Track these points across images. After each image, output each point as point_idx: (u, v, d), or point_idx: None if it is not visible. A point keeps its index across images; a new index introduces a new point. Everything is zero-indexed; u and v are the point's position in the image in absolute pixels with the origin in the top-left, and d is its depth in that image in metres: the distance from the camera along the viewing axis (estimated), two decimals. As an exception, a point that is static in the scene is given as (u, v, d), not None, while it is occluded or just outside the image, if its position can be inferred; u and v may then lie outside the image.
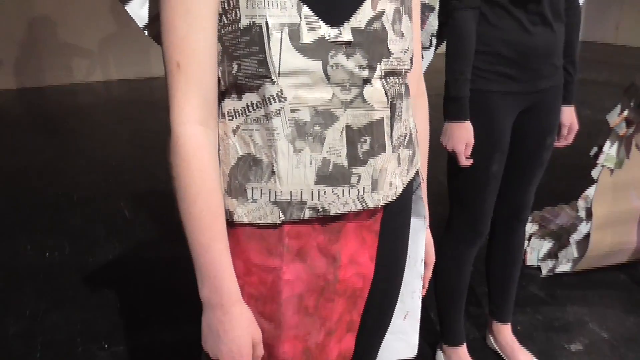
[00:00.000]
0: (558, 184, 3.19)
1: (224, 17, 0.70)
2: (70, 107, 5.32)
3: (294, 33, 0.67)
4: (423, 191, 0.95)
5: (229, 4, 0.69)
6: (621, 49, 8.07)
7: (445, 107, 1.43)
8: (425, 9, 1.54)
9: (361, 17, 0.71)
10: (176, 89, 0.69)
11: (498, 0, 1.37)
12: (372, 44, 0.72)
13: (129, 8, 0.83)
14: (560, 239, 2.33)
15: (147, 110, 5.13)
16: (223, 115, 0.74)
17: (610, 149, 2.00)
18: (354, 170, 0.74)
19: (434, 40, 1.59)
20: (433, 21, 1.56)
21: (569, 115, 1.61)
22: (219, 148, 0.74)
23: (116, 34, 6.24)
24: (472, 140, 1.42)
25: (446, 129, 1.44)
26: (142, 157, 3.87)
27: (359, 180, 0.75)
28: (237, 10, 0.68)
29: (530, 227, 2.45)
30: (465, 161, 1.43)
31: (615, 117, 1.93)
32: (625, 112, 1.92)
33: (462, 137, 1.41)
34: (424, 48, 1.58)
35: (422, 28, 1.54)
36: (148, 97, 5.67)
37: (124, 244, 2.61)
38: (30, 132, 4.53)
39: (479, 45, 1.40)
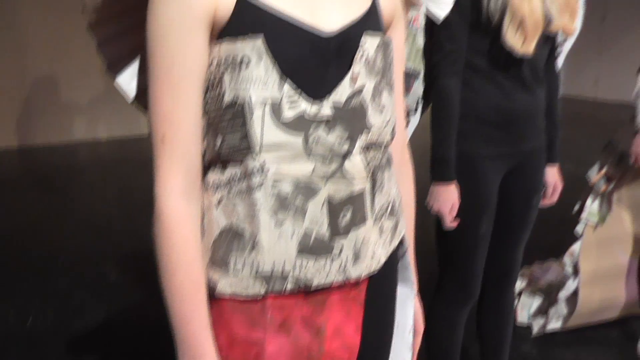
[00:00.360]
0: (547, 238, 3.19)
1: (209, 92, 0.72)
2: (60, 166, 5.32)
3: (276, 109, 0.70)
4: (410, 258, 0.95)
5: (214, 80, 0.71)
6: (601, 103, 8.28)
7: (431, 169, 1.46)
8: (411, 75, 1.59)
9: (341, 93, 0.73)
10: (161, 161, 0.72)
11: (480, 67, 1.42)
12: (352, 119, 0.74)
13: (119, 80, 0.86)
14: (550, 295, 2.33)
15: (137, 169, 5.14)
16: (207, 187, 0.76)
17: (592, 205, 2.03)
18: (335, 241, 0.75)
19: (420, 105, 1.63)
20: (419, 87, 1.61)
21: (553, 175, 1.65)
22: (202, 219, 0.75)
23: (107, 93, 6.31)
24: (457, 203, 1.44)
25: (432, 190, 1.46)
26: (129, 218, 3.85)
27: (341, 252, 0.75)
28: (222, 86, 0.71)
29: (520, 284, 2.45)
30: (450, 223, 1.45)
31: (595, 174, 1.97)
32: (605, 169, 1.97)
33: (448, 199, 1.43)
34: (411, 112, 1.62)
35: (408, 93, 1.59)
36: (138, 156, 5.70)
37: (109, 309, 2.57)
38: (19, 192, 4.51)
39: (463, 109, 1.44)
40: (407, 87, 1.65)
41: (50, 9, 5.77)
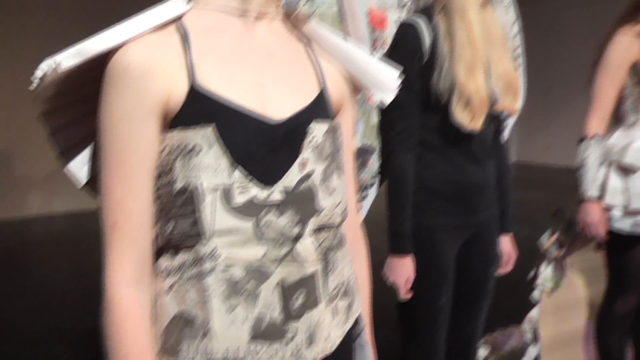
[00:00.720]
0: (508, 304, 3.21)
1: (160, 179, 0.74)
2: (13, 241, 5.15)
3: (227, 195, 0.71)
4: (367, 336, 0.95)
5: (165, 167, 0.73)
6: (552, 169, 8.60)
7: (388, 241, 1.49)
8: (367, 151, 1.64)
9: (291, 178, 0.75)
10: (111, 248, 0.72)
11: (432, 142, 1.48)
12: (302, 202, 0.76)
13: (71, 167, 0.86)
14: (513, 362, 2.33)
15: (93, 244, 5.00)
16: (158, 273, 0.76)
17: (546, 271, 2.08)
18: (289, 325, 0.75)
19: (377, 179, 1.67)
20: (374, 162, 1.66)
21: (507, 244, 1.69)
22: (153, 306, 0.75)
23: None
24: (412, 275, 1.46)
25: (388, 263, 1.48)
26: (85, 295, 3.72)
27: (294, 336, 0.75)
28: (174, 173, 0.72)
29: (483, 351, 2.44)
30: (405, 295, 1.46)
31: (547, 241, 2.03)
32: (555, 236, 2.03)
33: (403, 272, 1.45)
34: (368, 186, 1.66)
35: (365, 168, 1.64)
36: (95, 231, 5.55)
37: (61, 394, 2.43)
38: (-33, 272, 4.32)
39: (418, 183, 1.49)
40: (364, 163, 1.70)
41: (3, 81, 5.77)
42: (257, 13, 0.79)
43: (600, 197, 1.85)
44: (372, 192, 1.71)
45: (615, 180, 1.84)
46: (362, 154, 1.71)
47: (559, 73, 8.46)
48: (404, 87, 1.42)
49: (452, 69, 1.40)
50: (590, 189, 1.84)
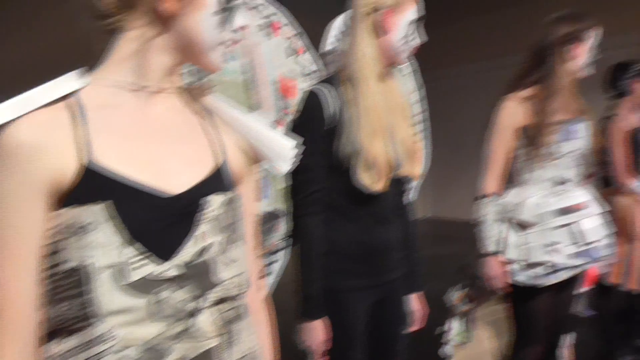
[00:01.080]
0: (425, 358, 3.26)
1: (50, 258, 0.71)
2: None
3: (120, 273, 0.70)
4: None
5: (55, 247, 0.70)
6: (465, 223, 8.94)
7: (299, 306, 1.49)
8: (276, 216, 1.66)
9: (188, 252, 0.75)
10: None
11: (339, 205, 1.53)
12: (200, 276, 0.76)
13: None
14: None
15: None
16: (48, 358, 0.72)
17: (455, 325, 2.14)
18: None
19: (288, 242, 1.69)
20: (284, 226, 1.67)
21: (416, 303, 1.74)
22: None
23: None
24: (325, 339, 1.47)
25: (300, 327, 1.48)
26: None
27: None
28: (64, 253, 0.70)
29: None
30: (318, 358, 1.46)
31: (455, 297, 2.11)
32: (463, 291, 2.11)
33: (315, 335, 1.46)
34: (278, 250, 1.67)
35: (274, 233, 1.65)
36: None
37: None
38: None
39: (327, 245, 1.51)
40: (274, 227, 1.72)
41: None
42: (154, 88, 0.80)
43: (500, 252, 1.96)
44: (282, 256, 1.73)
45: (513, 236, 1.96)
46: (271, 219, 1.73)
47: (466, 133, 8.95)
48: (311, 152, 1.48)
49: (355, 135, 1.46)
50: (490, 245, 1.95)
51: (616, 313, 3.20)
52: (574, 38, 1.95)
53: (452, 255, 6.59)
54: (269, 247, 1.71)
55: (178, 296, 0.73)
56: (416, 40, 1.59)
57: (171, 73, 0.82)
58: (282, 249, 1.71)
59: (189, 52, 0.80)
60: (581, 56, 1.97)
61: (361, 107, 1.48)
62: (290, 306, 1.48)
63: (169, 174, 0.78)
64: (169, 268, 0.73)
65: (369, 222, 1.55)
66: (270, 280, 1.81)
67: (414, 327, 1.74)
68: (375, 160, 1.46)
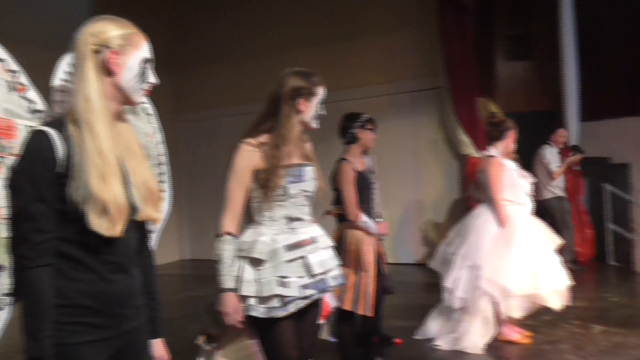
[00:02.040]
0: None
1: None
2: None
3: None
4: None
5: None
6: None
7: None
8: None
9: None
10: None
11: (72, 254, 1.44)
12: None
13: None
14: None
15: None
16: None
17: (201, 366, 2.16)
18: None
19: (11, 299, 1.53)
20: (4, 280, 1.52)
21: (159, 348, 1.71)
22: None
23: None
24: None
25: None
26: None
27: None
28: None
29: None
30: None
31: (200, 338, 2.13)
32: (207, 331, 2.14)
33: None
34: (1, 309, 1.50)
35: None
36: None
37: None
38: None
39: (59, 299, 1.41)
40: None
41: None
42: None
43: (236, 289, 2.06)
44: (4, 316, 1.56)
45: (248, 272, 2.07)
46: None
47: (218, 174, 9.18)
48: (37, 198, 1.38)
49: (85, 178, 1.41)
50: (227, 281, 2.04)
51: (354, 338, 3.55)
52: (303, 93, 2.17)
53: (211, 296, 6.64)
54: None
55: None
56: (151, 80, 1.60)
57: None
58: (3, 308, 1.54)
59: None
60: (309, 110, 2.20)
61: (88, 150, 1.42)
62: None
63: None
64: None
65: (106, 270, 1.48)
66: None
67: None
68: (108, 204, 1.42)
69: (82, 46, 1.49)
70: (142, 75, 1.56)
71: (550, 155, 6.85)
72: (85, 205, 1.41)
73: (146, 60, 1.57)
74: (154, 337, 1.70)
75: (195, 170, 9.00)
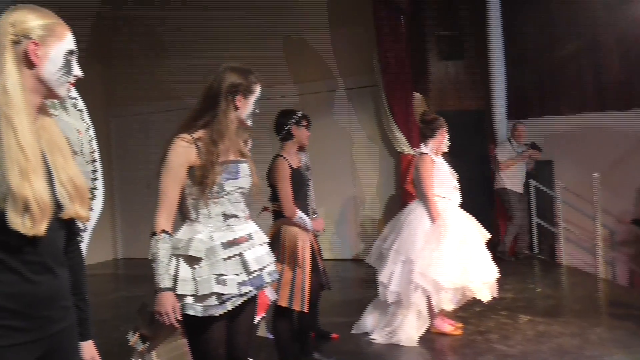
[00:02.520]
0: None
1: None
2: None
3: None
4: None
5: None
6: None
7: None
8: None
9: None
10: None
11: None
12: None
13: None
14: None
15: None
16: None
17: (133, 365, 2.12)
18: None
19: None
20: None
21: (89, 350, 1.66)
22: None
23: None
24: None
25: None
26: None
27: None
28: None
29: None
30: None
31: (132, 337, 2.08)
32: (140, 330, 2.09)
33: None
34: None
35: None
36: None
37: None
38: None
39: None
40: None
41: None
42: None
43: (172, 288, 2.00)
44: None
45: (184, 271, 2.03)
46: None
47: (153, 171, 8.98)
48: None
49: (4, 175, 1.34)
50: (163, 281, 1.98)
51: (290, 334, 3.56)
52: (241, 90, 2.16)
53: (144, 296, 6.49)
54: None
55: None
56: (75, 73, 1.55)
57: None
58: None
59: None
60: (245, 107, 2.18)
61: (8, 145, 1.36)
62: None
63: None
64: None
65: (30, 271, 1.42)
66: None
67: None
68: (30, 202, 1.36)
69: (0, 36, 1.42)
70: (66, 68, 1.51)
71: (502, 148, 7.29)
72: (5, 204, 1.34)
73: (70, 52, 1.52)
74: (84, 339, 1.64)
75: (128, 167, 8.76)
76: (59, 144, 1.52)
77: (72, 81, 1.56)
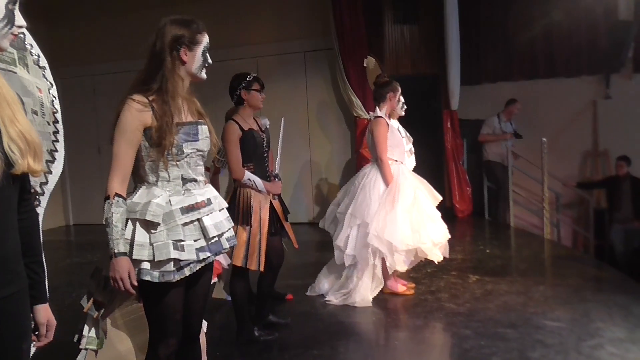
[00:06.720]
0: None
1: None
2: None
3: None
4: None
5: None
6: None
7: None
8: None
9: None
10: None
11: None
12: None
13: None
14: None
15: None
16: None
17: (90, 333, 2.09)
18: None
19: None
20: None
21: (44, 314, 1.63)
22: None
23: None
24: None
25: None
26: None
27: None
28: None
29: None
30: None
31: (86, 303, 2.06)
32: (94, 296, 2.07)
33: None
34: None
35: None
36: None
37: None
38: None
39: None
40: None
41: None
42: None
43: (127, 253, 1.96)
44: None
45: (141, 236, 1.98)
46: None
47: (104, 135, 8.74)
48: None
49: None
50: (118, 246, 1.92)
51: (246, 295, 3.59)
52: (184, 42, 2.06)
53: (97, 262, 6.38)
54: None
55: None
56: (19, 23, 1.48)
57: None
58: None
59: None
60: (193, 60, 2.08)
61: None
62: None
63: None
64: None
65: None
66: None
67: (43, 341, 1.63)
68: None
69: None
70: (8, 18, 1.44)
71: (489, 122, 7.62)
72: None
73: (12, 1, 1.45)
74: (39, 303, 1.61)
75: (78, 130, 8.48)
76: (7, 98, 1.45)
77: (16, 32, 1.49)
